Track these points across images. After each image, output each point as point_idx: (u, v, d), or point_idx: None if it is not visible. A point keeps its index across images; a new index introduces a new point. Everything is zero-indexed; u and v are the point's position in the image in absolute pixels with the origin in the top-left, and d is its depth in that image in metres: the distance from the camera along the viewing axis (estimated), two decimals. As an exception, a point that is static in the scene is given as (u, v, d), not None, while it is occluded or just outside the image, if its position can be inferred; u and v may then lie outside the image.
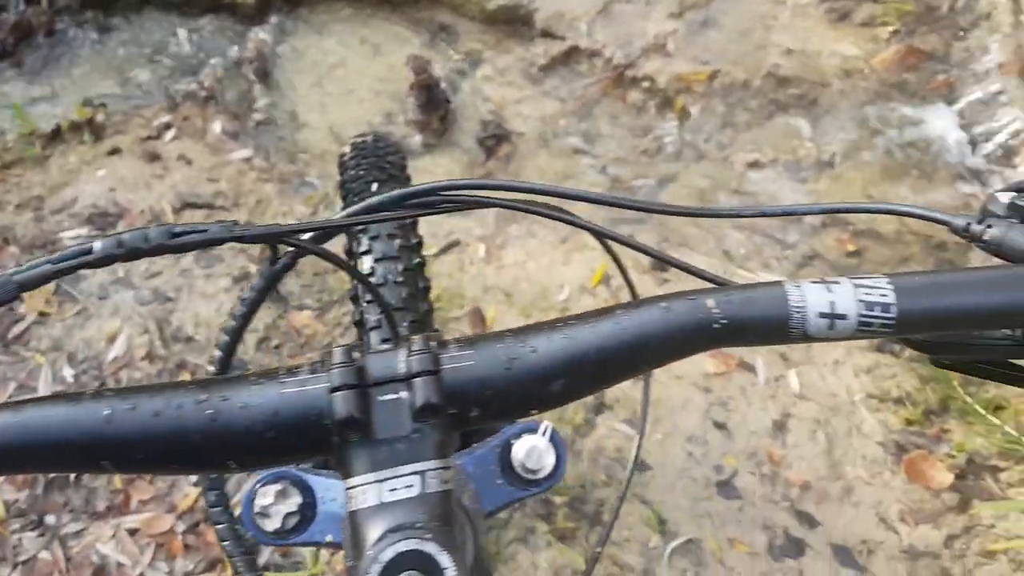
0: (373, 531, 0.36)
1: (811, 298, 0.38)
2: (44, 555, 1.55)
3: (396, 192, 0.51)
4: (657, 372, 1.82)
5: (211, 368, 0.57)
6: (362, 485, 0.37)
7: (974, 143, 2.38)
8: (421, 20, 2.66)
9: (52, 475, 1.64)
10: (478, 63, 2.55)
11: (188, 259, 1.92)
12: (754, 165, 2.31)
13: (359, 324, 0.93)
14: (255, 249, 1.90)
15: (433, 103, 2.25)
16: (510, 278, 2.03)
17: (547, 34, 2.52)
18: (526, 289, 2.01)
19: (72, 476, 1.63)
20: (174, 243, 0.47)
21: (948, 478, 1.62)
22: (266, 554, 1.54)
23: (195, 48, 2.54)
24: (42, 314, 1.86)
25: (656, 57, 2.45)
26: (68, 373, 1.78)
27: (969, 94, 2.44)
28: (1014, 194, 0.44)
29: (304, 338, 1.80)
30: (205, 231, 0.47)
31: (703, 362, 1.83)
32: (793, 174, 2.28)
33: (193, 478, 1.66)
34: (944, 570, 1.51)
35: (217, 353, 0.56)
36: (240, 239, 0.48)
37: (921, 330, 0.38)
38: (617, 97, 2.46)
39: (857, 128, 2.36)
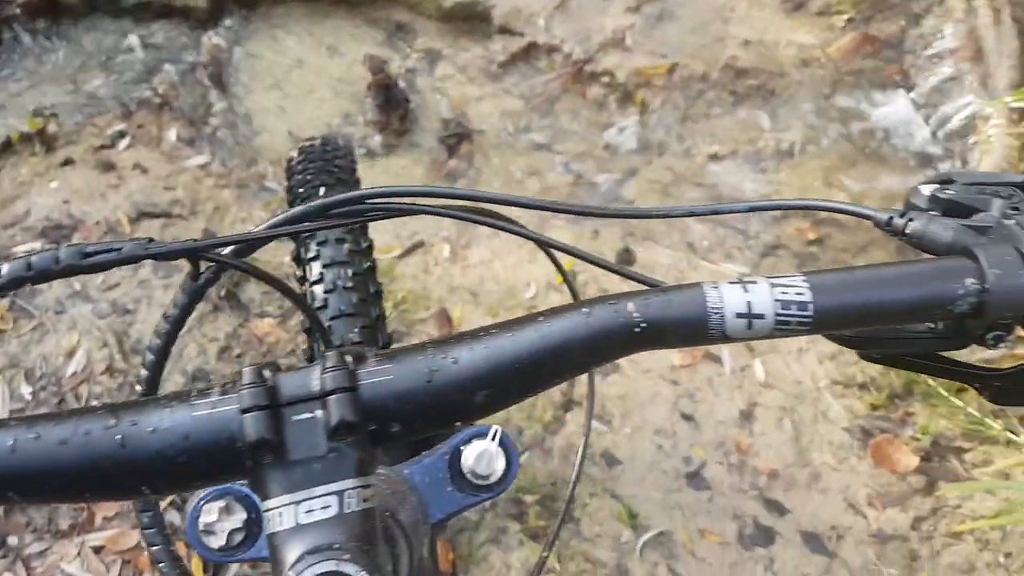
0: (291, 553, 0.36)
1: (728, 299, 0.38)
2: (6, 577, 1.52)
3: (318, 202, 0.50)
4: (624, 366, 1.82)
5: (139, 388, 0.55)
6: (278, 507, 0.36)
7: (931, 128, 2.41)
8: (378, 19, 2.63)
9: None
10: (437, 61, 2.54)
11: (146, 269, 1.89)
12: (715, 157, 2.32)
13: (309, 332, 0.92)
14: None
15: (392, 103, 2.23)
16: (476, 278, 2.02)
17: (505, 30, 2.51)
18: (493, 288, 2.00)
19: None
20: (86, 263, 0.45)
21: (914, 461, 1.64)
22: (233, 568, 1.52)
23: (148, 54, 2.50)
24: (-4, 331, 1.82)
25: (615, 52, 2.45)
26: (26, 391, 1.74)
27: (924, 80, 2.46)
28: (936, 186, 0.43)
29: (267, 346, 1.77)
30: (119, 249, 0.46)
31: (670, 354, 1.84)
32: (753, 165, 2.30)
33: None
34: (912, 552, 1.53)
35: (143, 373, 0.55)
36: (155, 256, 0.46)
37: (839, 327, 0.38)
38: (577, 93, 2.46)
39: (815, 117, 2.38)
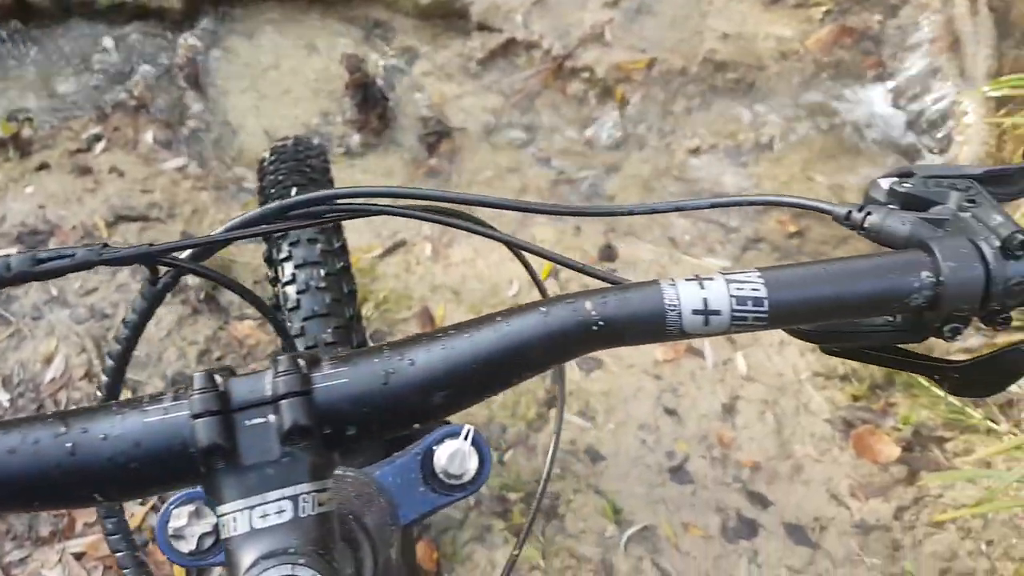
0: (246, 558, 0.35)
1: (685, 296, 0.38)
2: (-15, 587, 1.50)
3: (277, 203, 0.49)
4: (608, 362, 1.82)
5: (99, 394, 0.54)
6: (232, 512, 0.36)
7: (909, 119, 2.42)
8: (355, 17, 2.62)
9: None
10: (415, 59, 2.53)
11: (124, 273, 1.87)
12: (695, 151, 2.32)
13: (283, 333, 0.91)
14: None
15: (370, 101, 2.22)
16: (458, 276, 2.01)
17: (484, 27, 2.50)
18: (475, 287, 2.00)
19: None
20: (39, 270, 0.45)
21: (895, 451, 1.65)
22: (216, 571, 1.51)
23: (123, 56, 2.48)
24: (-28, 339, 1.80)
25: (594, 47, 2.45)
26: (3, 398, 1.72)
27: (902, 71, 2.48)
28: (894, 180, 0.44)
29: (247, 348, 1.76)
30: (72, 255, 0.45)
31: (653, 349, 1.84)
32: (734, 159, 2.30)
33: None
34: (895, 542, 1.54)
35: (104, 379, 0.54)
36: (109, 262, 0.46)
37: (795, 321, 0.38)
38: (557, 88, 2.46)
39: (794, 110, 2.39)
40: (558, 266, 2.03)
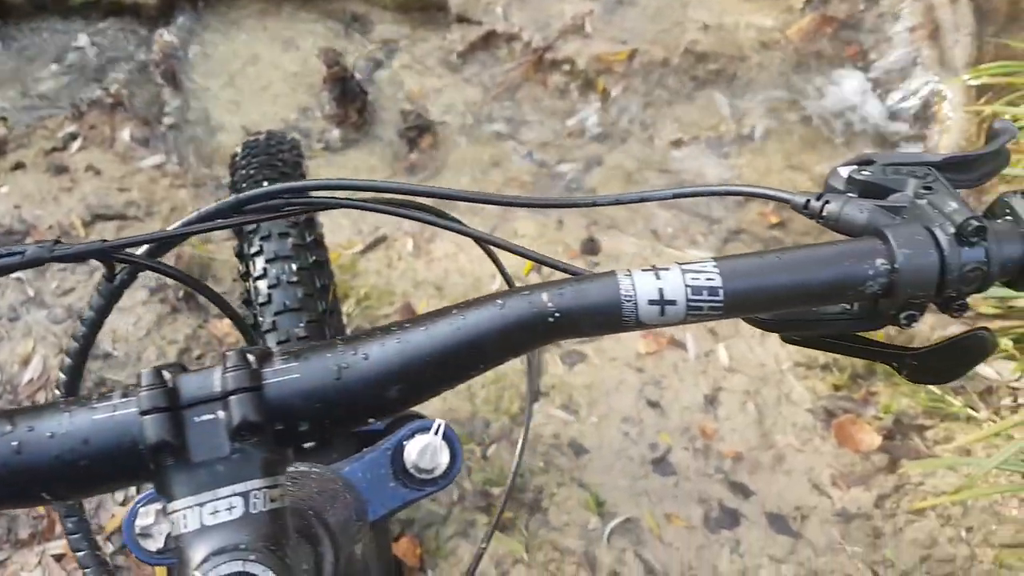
0: (196, 555, 0.35)
1: (641, 286, 0.38)
2: (-36, 591, 1.49)
3: (232, 198, 0.49)
4: (591, 354, 1.82)
5: (57, 392, 0.54)
6: (183, 509, 0.36)
7: (890, 108, 2.43)
8: (333, 11, 2.60)
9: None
10: (394, 52, 2.51)
11: (100, 274, 1.85)
12: (677, 143, 2.32)
13: (254, 327, 0.90)
14: (171, 260, 1.84)
15: (348, 96, 2.20)
16: (441, 271, 2.01)
17: (463, 19, 2.49)
18: (458, 282, 1.99)
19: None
20: None
21: (876, 440, 1.65)
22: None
23: (99, 54, 2.45)
24: (-52, 341, 1.78)
25: (575, 39, 2.44)
26: (-20, 400, 1.70)
27: (883, 60, 2.48)
28: (853, 168, 0.43)
29: (227, 346, 1.75)
30: (22, 253, 0.45)
31: (635, 342, 1.84)
32: (716, 150, 2.30)
33: (119, 495, 1.62)
34: (876, 530, 1.54)
35: (62, 377, 0.53)
36: (61, 259, 0.45)
37: (751, 311, 0.38)
38: (538, 81, 2.45)
39: (776, 100, 2.39)
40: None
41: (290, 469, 0.53)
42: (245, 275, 0.93)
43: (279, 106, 2.37)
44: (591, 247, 2.08)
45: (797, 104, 2.39)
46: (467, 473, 1.62)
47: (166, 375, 0.37)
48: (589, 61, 2.42)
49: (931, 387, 1.72)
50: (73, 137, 2.22)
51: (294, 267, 0.90)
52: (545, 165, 2.33)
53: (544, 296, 0.39)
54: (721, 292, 0.37)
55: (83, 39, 2.48)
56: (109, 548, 1.55)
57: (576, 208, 0.52)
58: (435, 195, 0.51)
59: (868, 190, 0.42)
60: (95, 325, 0.53)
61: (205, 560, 0.35)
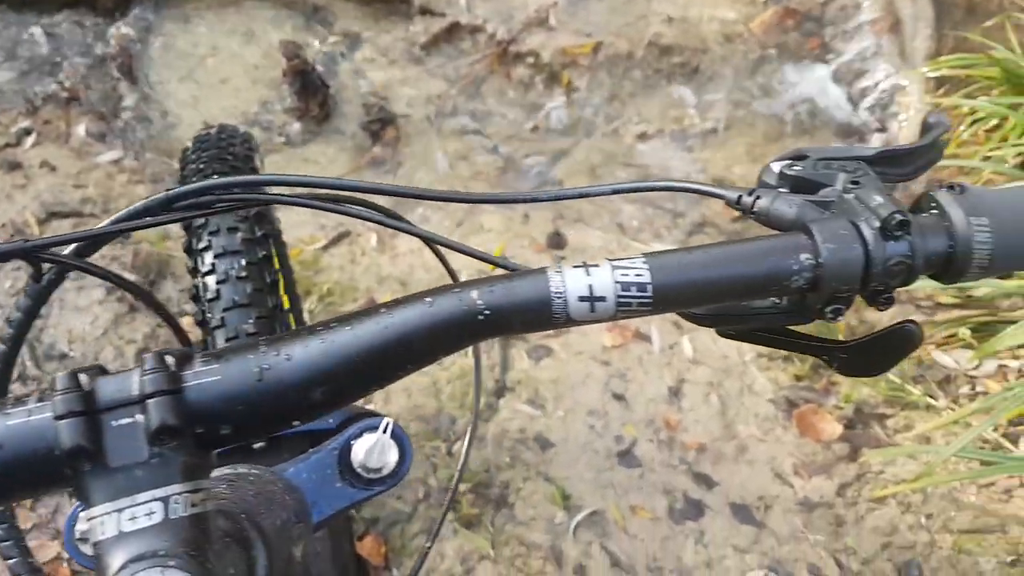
0: (114, 562, 0.34)
1: (571, 283, 0.38)
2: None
3: (161, 195, 0.48)
4: (556, 348, 1.82)
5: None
6: (100, 515, 0.35)
7: (852, 100, 2.45)
8: (294, 3, 2.56)
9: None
10: (357, 44, 2.48)
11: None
12: (643, 136, 2.32)
13: (202, 324, 0.89)
14: (128, 257, 1.81)
15: (309, 89, 2.18)
16: (405, 267, 1.99)
17: (426, 11, 2.47)
18: (423, 277, 1.98)
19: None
20: None
21: (837, 429, 1.67)
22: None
23: (53, 47, 2.39)
24: None
25: (539, 31, 2.43)
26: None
27: (845, 52, 2.50)
28: (785, 163, 0.43)
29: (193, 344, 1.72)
30: None
31: (601, 336, 1.84)
32: (680, 143, 2.31)
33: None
34: (838, 518, 1.56)
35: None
36: None
37: (681, 306, 0.38)
38: (503, 74, 2.44)
39: (739, 93, 2.40)
40: (508, 255, 2.02)
41: (228, 471, 0.52)
42: (194, 271, 0.91)
43: (239, 99, 2.34)
44: (557, 241, 2.08)
45: (761, 97, 2.40)
46: (433, 470, 1.62)
47: (83, 378, 0.36)
48: (554, 54, 2.41)
49: (891, 376, 1.75)
50: (27, 132, 2.17)
51: (243, 262, 0.89)
52: (511, 159, 2.32)
53: (474, 293, 0.38)
54: (650, 288, 0.37)
55: (37, 32, 2.42)
56: (67, 554, 1.53)
57: (515, 204, 0.52)
58: (372, 191, 0.50)
59: (799, 185, 0.42)
60: (22, 327, 0.52)
61: (123, 567, 0.34)
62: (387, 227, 0.52)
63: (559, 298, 0.38)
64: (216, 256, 0.88)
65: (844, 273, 0.37)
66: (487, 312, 0.38)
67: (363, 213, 0.53)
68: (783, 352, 1.78)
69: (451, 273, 0.63)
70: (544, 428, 1.69)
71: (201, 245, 0.90)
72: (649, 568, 1.50)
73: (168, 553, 0.34)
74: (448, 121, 2.37)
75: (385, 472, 0.57)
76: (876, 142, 2.36)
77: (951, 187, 0.40)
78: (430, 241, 0.53)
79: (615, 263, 0.38)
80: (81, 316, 1.77)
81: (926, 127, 0.45)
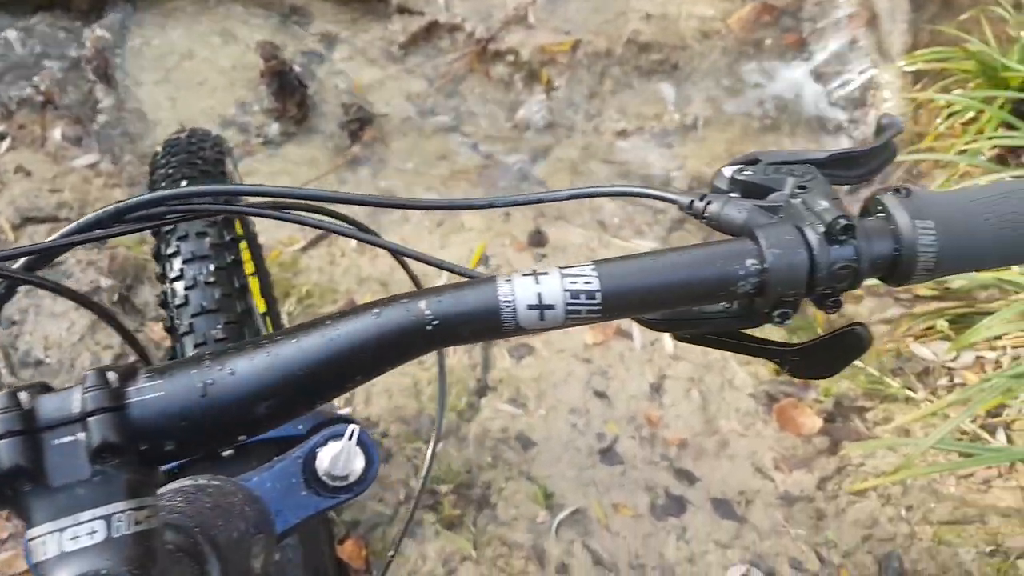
0: None
1: (520, 292, 0.38)
2: None
3: (112, 206, 0.47)
4: (538, 347, 1.82)
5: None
6: (42, 536, 0.35)
7: (830, 95, 2.46)
8: (271, 3, 2.55)
9: None
10: (335, 44, 2.47)
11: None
12: (623, 133, 2.32)
13: (171, 330, 0.88)
14: (104, 261, 1.79)
15: (287, 89, 2.16)
16: (386, 268, 1.99)
17: (404, 10, 2.45)
18: (403, 278, 1.95)
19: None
20: None
21: (817, 423, 1.68)
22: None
23: (28, 50, 2.37)
24: None
25: (518, 29, 2.43)
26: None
27: (822, 48, 2.51)
28: (736, 168, 0.43)
29: (164, 350, 1.71)
30: None
31: (583, 334, 1.84)
32: (660, 140, 2.31)
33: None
34: (819, 512, 1.57)
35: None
36: None
37: (630, 312, 0.38)
38: (482, 72, 2.43)
39: (718, 89, 2.40)
40: (489, 255, 2.02)
41: (187, 483, 0.51)
42: (162, 276, 0.91)
43: (216, 101, 2.32)
44: (538, 239, 2.07)
45: (739, 93, 2.41)
46: (414, 472, 1.61)
47: (23, 397, 0.36)
48: (533, 52, 2.41)
49: (871, 369, 1.76)
50: (1, 137, 2.14)
51: (212, 267, 0.88)
52: (491, 157, 2.32)
53: (422, 303, 0.38)
54: (599, 295, 0.37)
55: (11, 34, 2.39)
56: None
57: (473, 210, 0.52)
58: (330, 200, 0.50)
59: (749, 190, 0.43)
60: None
61: None
62: (342, 235, 0.52)
63: (508, 307, 0.38)
64: (185, 261, 0.88)
65: (789, 278, 0.37)
66: (436, 322, 0.38)
67: (324, 224, 0.52)
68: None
69: (415, 281, 0.63)
70: (526, 427, 1.69)
71: (170, 250, 0.89)
72: (631, 565, 1.50)
73: (110, 572, 0.34)
74: (428, 120, 2.36)
75: (352, 479, 0.56)
76: (855, 136, 2.37)
77: (897, 190, 0.40)
78: (376, 244, 0.53)
79: (564, 271, 0.38)
80: (57, 322, 1.76)
81: (879, 128, 0.45)
